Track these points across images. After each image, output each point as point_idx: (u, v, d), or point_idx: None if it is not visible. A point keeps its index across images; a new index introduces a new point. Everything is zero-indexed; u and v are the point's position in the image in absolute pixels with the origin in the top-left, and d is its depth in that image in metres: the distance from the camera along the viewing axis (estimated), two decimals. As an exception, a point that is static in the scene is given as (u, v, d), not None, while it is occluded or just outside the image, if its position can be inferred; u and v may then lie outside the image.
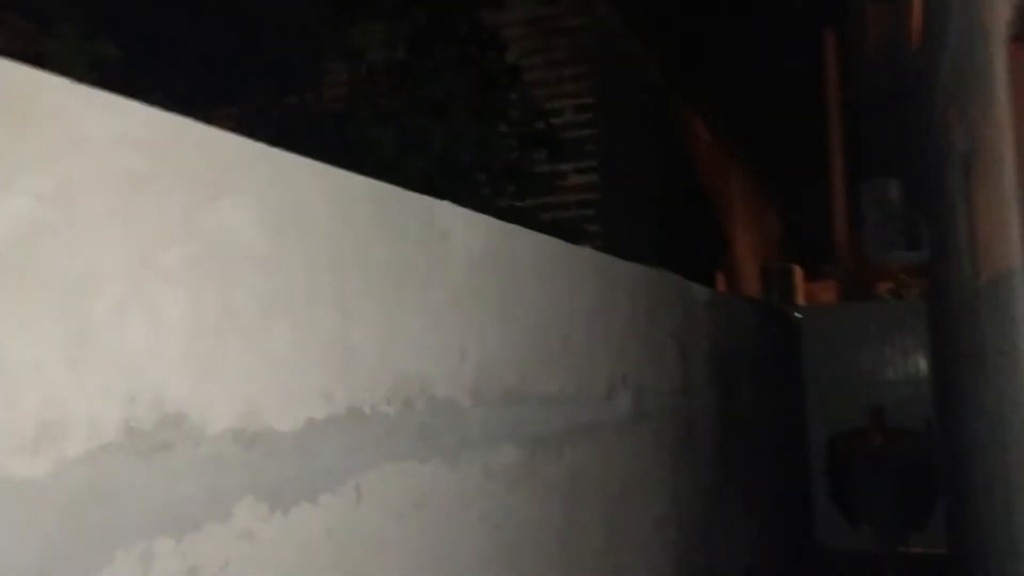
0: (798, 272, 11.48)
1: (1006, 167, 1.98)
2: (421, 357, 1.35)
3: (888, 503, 5.05)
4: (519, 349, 1.74)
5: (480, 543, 1.53)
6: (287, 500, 1.01)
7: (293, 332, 1.05)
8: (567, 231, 3.33)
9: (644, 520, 2.55)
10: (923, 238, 4.79)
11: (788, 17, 8.31)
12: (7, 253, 0.72)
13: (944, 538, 5.61)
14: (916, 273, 8.35)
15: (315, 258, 1.10)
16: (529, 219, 3.30)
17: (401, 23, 3.11)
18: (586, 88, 4.76)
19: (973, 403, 3.23)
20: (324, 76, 3.41)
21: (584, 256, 2.17)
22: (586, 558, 2.07)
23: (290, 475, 1.02)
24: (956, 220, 3.26)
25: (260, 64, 3.20)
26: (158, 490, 0.83)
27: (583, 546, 2.05)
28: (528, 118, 3.42)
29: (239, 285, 0.96)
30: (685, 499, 3.01)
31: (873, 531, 5.30)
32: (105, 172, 0.82)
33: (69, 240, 0.78)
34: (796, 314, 6.81)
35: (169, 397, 0.86)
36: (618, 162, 5.13)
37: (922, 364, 6.35)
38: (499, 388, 1.63)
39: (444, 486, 1.40)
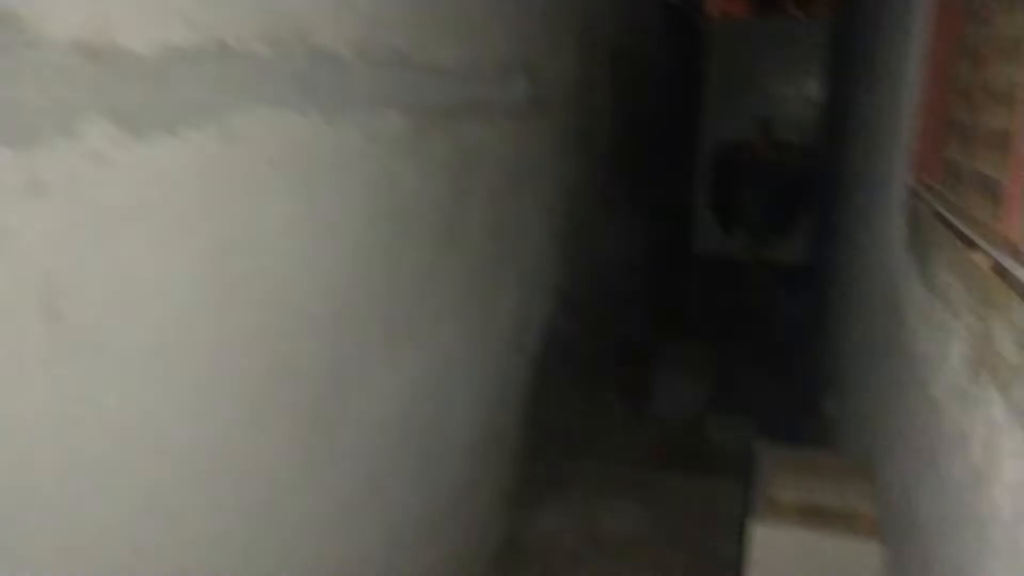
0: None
1: None
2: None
3: (762, 212, 5.33)
4: (410, 10, 1.62)
5: (362, 206, 1.52)
6: (143, 127, 0.94)
7: (144, -60, 0.92)
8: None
9: (532, 207, 2.59)
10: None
11: None
12: None
13: (804, 247, 6.05)
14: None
15: None
16: None
17: None
18: None
19: (857, 114, 3.31)
20: None
21: (488, -83, 1.99)
22: (472, 235, 2.10)
23: (145, 100, 0.94)
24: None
25: None
26: (-12, 94, 0.75)
27: (469, 224, 2.08)
28: None
29: None
30: (574, 193, 3.06)
31: (744, 238, 5.62)
32: None
33: None
34: (704, 24, 6.69)
35: (-8, -11, 0.75)
36: None
37: (821, 86, 6.44)
38: (386, 49, 1.54)
39: (324, 142, 1.35)
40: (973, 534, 1.02)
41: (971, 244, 1.26)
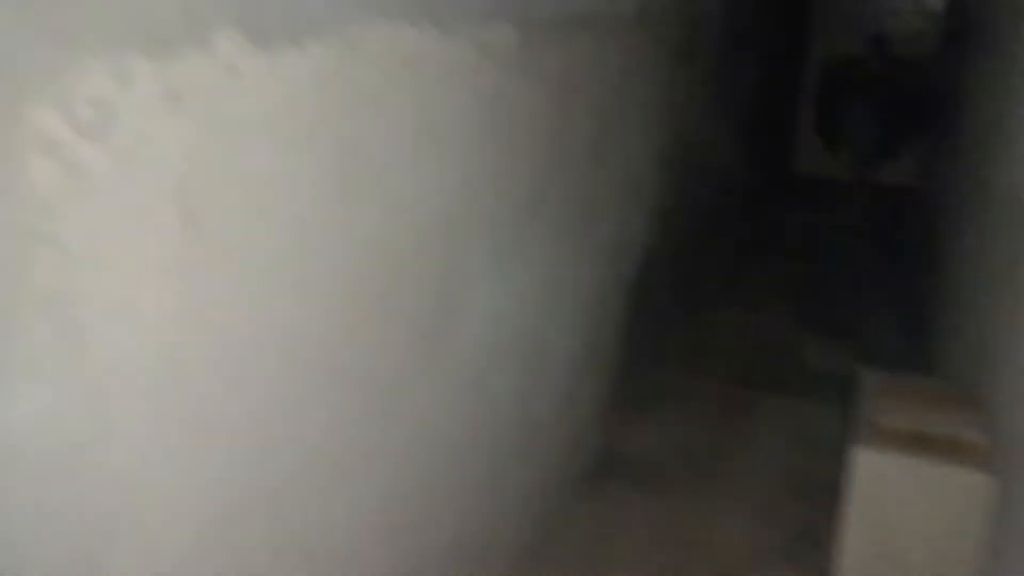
0: None
1: None
2: (416, -95, 1.21)
3: (870, 131, 5.09)
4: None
5: (472, 119, 1.51)
6: (271, 40, 0.95)
7: None
8: None
9: (635, 122, 2.54)
10: None
11: None
12: None
13: (914, 169, 5.77)
14: None
15: None
16: None
17: None
18: None
19: (986, 37, 3.10)
20: None
21: None
22: (576, 150, 2.08)
23: (273, 14, 0.95)
24: None
25: None
26: (129, 7, 0.77)
27: (574, 139, 2.05)
28: None
29: None
30: (676, 108, 2.98)
31: (849, 158, 5.39)
32: None
33: None
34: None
35: (132, -103, 0.75)
36: None
37: (938, -4, 6.04)
38: (499, -42, 1.51)
39: (436, 53, 1.34)
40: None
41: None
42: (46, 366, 0.74)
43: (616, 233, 2.51)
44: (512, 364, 1.86)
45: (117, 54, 0.76)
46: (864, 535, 1.70)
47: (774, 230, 5.14)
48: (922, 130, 5.32)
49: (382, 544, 1.42)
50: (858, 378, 2.00)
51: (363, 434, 1.29)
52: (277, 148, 0.99)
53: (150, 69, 0.80)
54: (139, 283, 0.82)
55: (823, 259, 4.83)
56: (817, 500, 2.42)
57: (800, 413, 3.02)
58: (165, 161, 0.82)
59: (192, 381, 0.91)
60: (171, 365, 0.88)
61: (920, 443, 1.67)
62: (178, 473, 0.91)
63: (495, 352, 1.76)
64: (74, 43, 0.71)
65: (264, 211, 0.98)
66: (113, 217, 0.77)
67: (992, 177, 2.36)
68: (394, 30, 1.20)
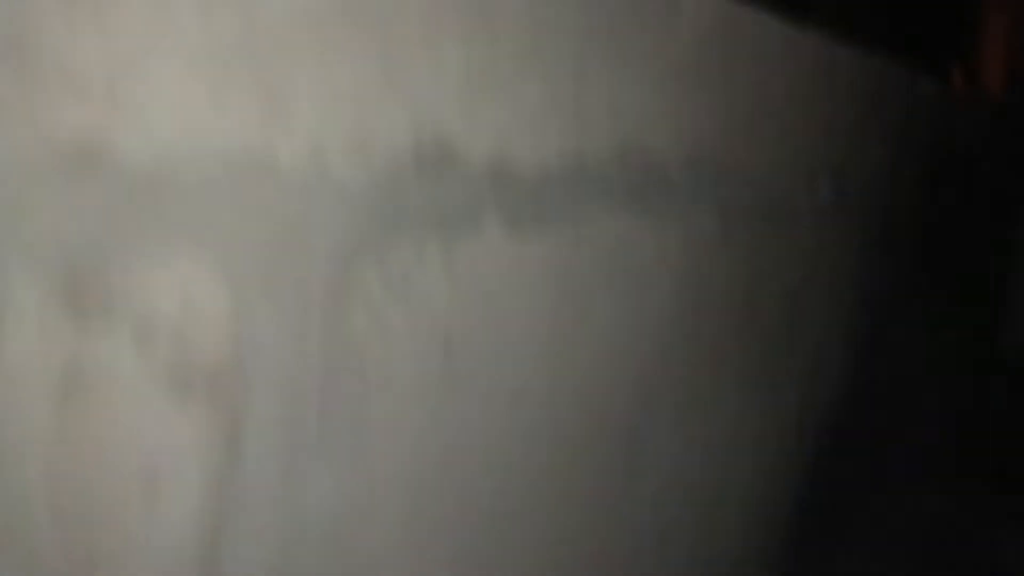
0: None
1: None
2: (641, 124, 1.50)
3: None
4: (731, 126, 1.84)
5: (669, 295, 1.74)
6: (524, 228, 1.23)
7: (539, 90, 1.23)
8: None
9: (827, 303, 2.68)
10: None
11: None
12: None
13: None
14: None
15: (562, 24, 1.25)
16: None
17: None
18: None
19: None
20: None
21: (807, 40, 2.17)
22: (765, 326, 2.25)
23: (526, 208, 1.23)
24: None
25: None
26: (432, 204, 1.07)
27: (763, 315, 2.23)
28: None
29: (503, 42, 1.14)
30: (872, 290, 3.08)
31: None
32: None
33: (380, -4, 0.96)
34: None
35: (444, 133, 1.07)
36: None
37: None
38: (708, 160, 1.77)
39: (648, 240, 1.60)
40: None
41: None
42: (338, 453, 1.01)
43: (800, 403, 2.61)
44: (690, 516, 2.00)
45: (420, 240, 1.05)
46: None
47: (988, 416, 4.93)
48: None
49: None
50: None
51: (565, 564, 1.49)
52: (516, 309, 1.26)
53: (439, 249, 1.09)
54: (408, 396, 1.09)
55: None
56: None
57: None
58: (438, 316, 1.11)
59: (445, 473, 1.16)
60: (422, 465, 1.13)
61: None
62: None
63: (676, 502, 1.92)
64: (395, 231, 1.02)
65: (501, 354, 1.24)
66: (401, 349, 1.05)
67: None
68: (615, 221, 1.47)
